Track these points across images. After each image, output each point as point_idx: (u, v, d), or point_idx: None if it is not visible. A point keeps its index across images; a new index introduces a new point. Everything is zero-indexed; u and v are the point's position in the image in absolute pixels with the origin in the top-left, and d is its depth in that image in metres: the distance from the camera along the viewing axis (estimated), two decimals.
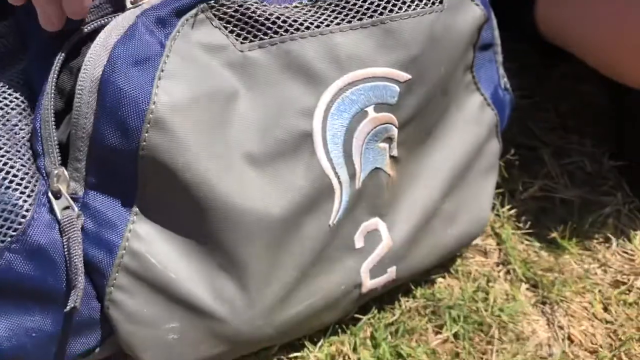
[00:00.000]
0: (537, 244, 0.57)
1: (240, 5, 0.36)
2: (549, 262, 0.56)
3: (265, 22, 0.36)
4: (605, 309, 0.54)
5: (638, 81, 0.55)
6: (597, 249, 0.58)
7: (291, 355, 0.45)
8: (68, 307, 0.34)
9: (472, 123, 0.47)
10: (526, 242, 0.57)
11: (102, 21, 0.36)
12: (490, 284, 0.53)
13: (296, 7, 0.38)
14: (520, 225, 0.58)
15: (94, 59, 0.33)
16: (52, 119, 0.34)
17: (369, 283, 0.43)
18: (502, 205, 0.59)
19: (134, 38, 0.34)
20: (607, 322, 0.53)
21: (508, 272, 0.55)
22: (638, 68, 0.53)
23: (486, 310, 0.50)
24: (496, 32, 0.48)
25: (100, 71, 0.33)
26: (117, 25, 0.34)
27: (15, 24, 0.42)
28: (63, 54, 0.35)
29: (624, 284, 0.56)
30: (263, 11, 0.36)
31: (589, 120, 0.69)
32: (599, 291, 0.55)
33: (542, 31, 0.62)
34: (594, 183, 0.63)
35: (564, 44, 0.60)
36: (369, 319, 0.48)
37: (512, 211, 0.59)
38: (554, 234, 0.58)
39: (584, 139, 0.66)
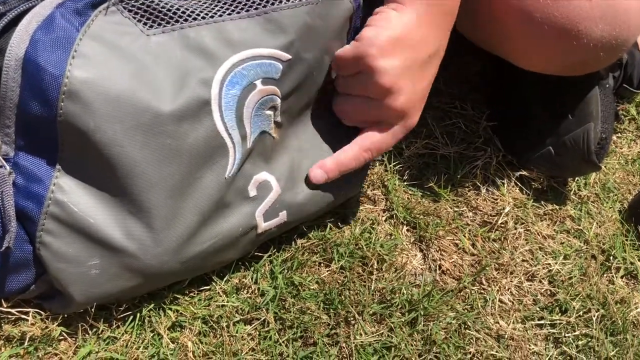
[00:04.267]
0: (419, 193, 0.67)
1: (146, 0, 0.43)
2: (427, 208, 0.65)
3: (168, 12, 0.44)
4: (473, 245, 0.64)
5: (501, 53, 0.65)
6: (469, 195, 0.68)
7: (201, 289, 0.53)
8: (2, 248, 0.42)
9: None
10: (409, 192, 0.67)
11: (24, 6, 0.43)
12: (375, 227, 0.62)
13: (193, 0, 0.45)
14: (405, 178, 0.68)
15: (18, 42, 0.40)
16: None
17: (263, 225, 0.51)
18: (390, 162, 0.68)
19: (52, 24, 0.41)
20: (472, 254, 0.63)
21: (391, 217, 0.64)
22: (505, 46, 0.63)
23: (368, 247, 0.59)
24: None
25: (24, 51, 0.40)
26: (37, 13, 0.41)
27: None
28: None
29: (490, 223, 0.66)
30: (165, 3, 0.44)
31: (471, 88, 0.78)
32: (469, 230, 0.65)
33: None
34: (470, 141, 0.72)
35: None
36: (268, 257, 0.56)
37: (399, 166, 0.68)
38: (433, 184, 0.67)
39: (465, 104, 0.76)
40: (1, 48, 0.42)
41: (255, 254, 0.55)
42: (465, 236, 0.64)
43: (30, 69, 0.40)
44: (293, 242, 0.58)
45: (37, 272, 0.46)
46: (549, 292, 0.62)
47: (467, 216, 0.67)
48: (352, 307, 0.54)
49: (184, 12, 0.45)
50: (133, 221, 0.45)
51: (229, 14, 0.46)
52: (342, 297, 0.55)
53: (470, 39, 0.68)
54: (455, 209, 0.67)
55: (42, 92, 0.40)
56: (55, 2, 0.42)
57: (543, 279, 0.63)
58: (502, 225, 0.66)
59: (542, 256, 0.65)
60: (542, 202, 0.70)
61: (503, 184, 0.70)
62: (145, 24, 0.44)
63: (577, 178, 0.72)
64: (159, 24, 0.44)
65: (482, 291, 0.61)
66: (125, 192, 0.44)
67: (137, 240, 0.45)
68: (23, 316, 0.47)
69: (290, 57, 0.48)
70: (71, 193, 0.43)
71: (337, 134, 0.55)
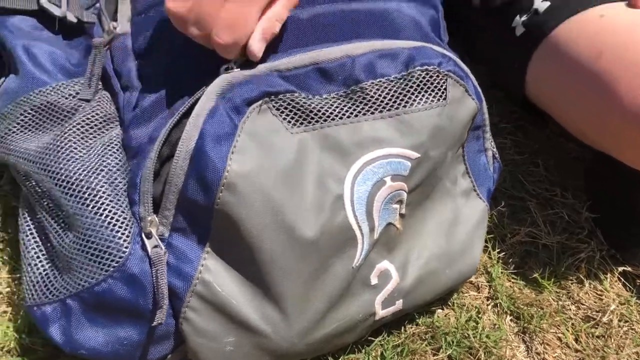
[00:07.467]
0: (522, 282, 0.68)
1: (292, 100, 0.47)
2: (531, 298, 0.66)
3: (311, 112, 0.47)
4: (576, 340, 0.64)
5: (602, 148, 0.65)
6: (572, 288, 0.68)
7: None
8: (155, 323, 0.45)
9: (457, 187, 0.58)
10: (512, 280, 0.68)
11: (190, 102, 0.47)
12: (480, 315, 0.63)
13: (333, 97, 0.48)
14: (508, 265, 0.68)
15: (189, 135, 0.44)
16: (152, 178, 0.45)
17: (380, 312, 0.53)
18: (494, 248, 0.69)
19: (216, 118, 0.44)
20: (577, 350, 0.63)
21: (495, 305, 0.65)
22: (601, 142, 0.64)
23: (475, 337, 0.60)
24: (486, 116, 0.58)
25: (193, 144, 0.44)
26: (203, 107, 0.45)
27: (110, 95, 0.53)
28: (168, 130, 0.46)
29: (594, 319, 0.66)
30: (309, 104, 0.47)
31: (571, 174, 0.78)
32: (572, 324, 0.65)
33: (530, 96, 0.72)
34: (572, 231, 0.73)
35: (545, 108, 0.71)
36: (379, 341, 0.58)
37: (502, 253, 0.69)
38: (536, 274, 0.68)
39: (566, 192, 0.76)
40: (170, 140, 0.46)
41: (368, 337, 0.57)
42: (568, 330, 0.64)
43: (197, 159, 0.44)
44: (402, 328, 0.59)
45: (175, 343, 0.49)
46: None
47: (570, 309, 0.67)
48: None
49: (324, 113, 0.48)
50: (269, 305, 0.47)
51: (364, 114, 0.49)
52: None
53: (569, 131, 0.69)
54: (557, 301, 0.67)
55: (205, 181, 0.44)
56: (215, 91, 0.46)
57: None
58: (607, 322, 0.65)
59: None
60: None
61: (606, 278, 0.69)
62: (289, 121, 0.47)
63: None
64: (302, 123, 0.47)
65: None
66: (264, 279, 0.47)
67: (271, 323, 0.47)
68: None
69: (419, 155, 0.51)
70: (217, 274, 0.46)
71: (446, 221, 0.57)
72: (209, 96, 0.46)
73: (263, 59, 0.48)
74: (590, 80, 0.61)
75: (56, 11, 0.60)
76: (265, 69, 0.47)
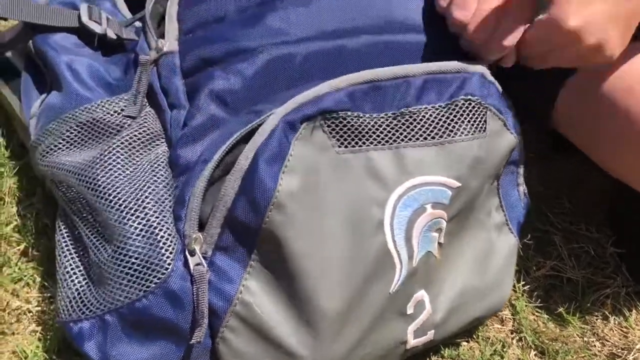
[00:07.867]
0: (546, 316, 0.67)
1: (344, 118, 0.47)
2: (555, 333, 0.66)
3: (359, 134, 0.47)
4: None
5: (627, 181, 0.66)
6: (597, 324, 0.68)
7: None
8: (193, 341, 0.45)
9: (491, 219, 0.58)
10: (536, 314, 0.68)
11: (250, 127, 0.47)
12: (505, 349, 0.63)
13: (382, 117, 0.48)
14: (533, 299, 0.68)
15: (245, 157, 0.45)
16: (202, 196, 0.46)
17: (412, 342, 0.53)
18: (518, 281, 0.69)
19: (273, 139, 0.45)
20: None
21: (520, 339, 0.65)
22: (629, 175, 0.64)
23: None
24: (522, 152, 0.58)
25: (247, 165, 0.45)
26: (263, 132, 0.45)
27: (156, 111, 0.53)
28: (226, 150, 0.46)
29: (619, 357, 0.66)
30: (359, 124, 0.47)
31: (596, 208, 0.78)
32: None
33: (559, 128, 0.73)
34: (597, 266, 0.73)
35: (574, 141, 0.71)
36: None
37: (526, 287, 0.69)
38: (561, 309, 0.68)
39: (590, 226, 0.76)
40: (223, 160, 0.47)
41: None
42: None
43: (249, 179, 0.45)
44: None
45: None
46: None
47: (595, 346, 0.66)
48: None
49: (371, 135, 0.48)
50: (307, 329, 0.47)
51: (408, 141, 0.49)
52: None
53: (599, 165, 0.69)
54: (582, 337, 0.67)
55: (255, 202, 0.44)
56: (279, 116, 0.46)
57: None
58: None
59: None
60: None
61: (631, 315, 0.69)
62: (338, 140, 0.47)
63: None
64: (349, 144, 0.47)
65: None
66: (303, 302, 0.47)
67: (308, 347, 0.47)
68: None
69: (460, 184, 0.51)
70: (257, 295, 0.46)
71: (480, 254, 0.57)
72: (274, 119, 0.46)
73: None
74: (621, 115, 0.62)
75: (97, 28, 0.61)
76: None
